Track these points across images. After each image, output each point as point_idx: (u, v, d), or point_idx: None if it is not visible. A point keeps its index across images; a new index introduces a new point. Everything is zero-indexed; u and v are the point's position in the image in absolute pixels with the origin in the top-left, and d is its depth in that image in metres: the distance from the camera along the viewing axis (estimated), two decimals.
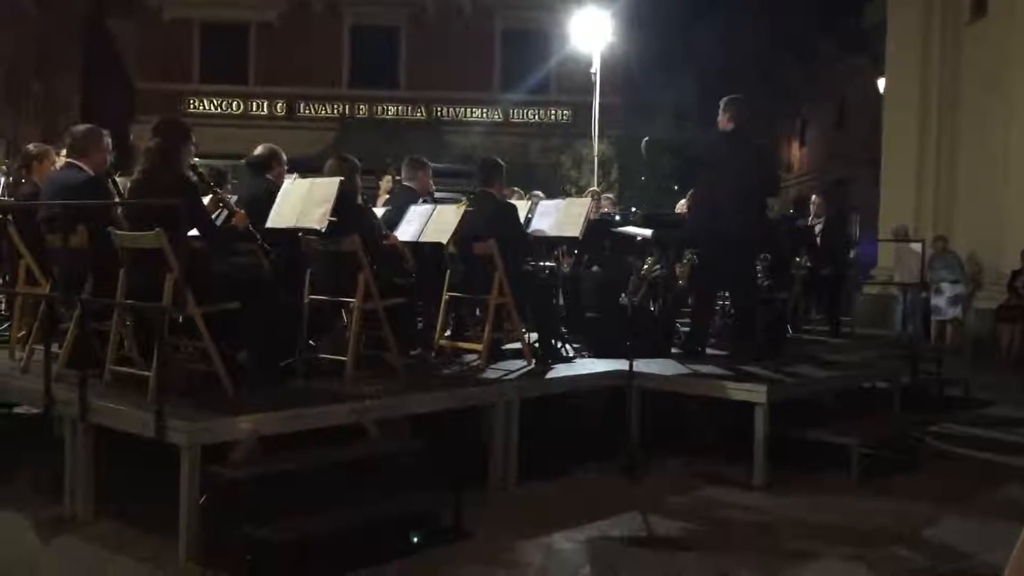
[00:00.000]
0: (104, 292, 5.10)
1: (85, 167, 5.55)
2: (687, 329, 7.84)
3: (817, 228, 10.09)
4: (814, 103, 31.10)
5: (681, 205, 9.51)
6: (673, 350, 7.32)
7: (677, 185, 19.18)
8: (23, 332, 6.00)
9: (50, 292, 5.52)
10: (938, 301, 13.29)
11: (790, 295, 8.92)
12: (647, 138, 7.83)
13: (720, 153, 7.00)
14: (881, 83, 18.65)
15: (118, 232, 5.04)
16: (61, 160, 5.95)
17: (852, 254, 11.23)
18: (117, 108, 25.89)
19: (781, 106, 33.79)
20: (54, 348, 5.14)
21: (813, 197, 10.78)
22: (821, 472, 6.14)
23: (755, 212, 7.07)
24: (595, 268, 8.72)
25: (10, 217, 6.66)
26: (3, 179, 7.82)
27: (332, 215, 5.43)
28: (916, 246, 11.54)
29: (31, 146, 6.65)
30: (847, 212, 19.20)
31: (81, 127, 5.88)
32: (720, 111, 7.05)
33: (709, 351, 7.29)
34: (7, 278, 6.82)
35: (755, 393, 5.90)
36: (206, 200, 5.57)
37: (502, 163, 6.91)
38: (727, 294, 7.79)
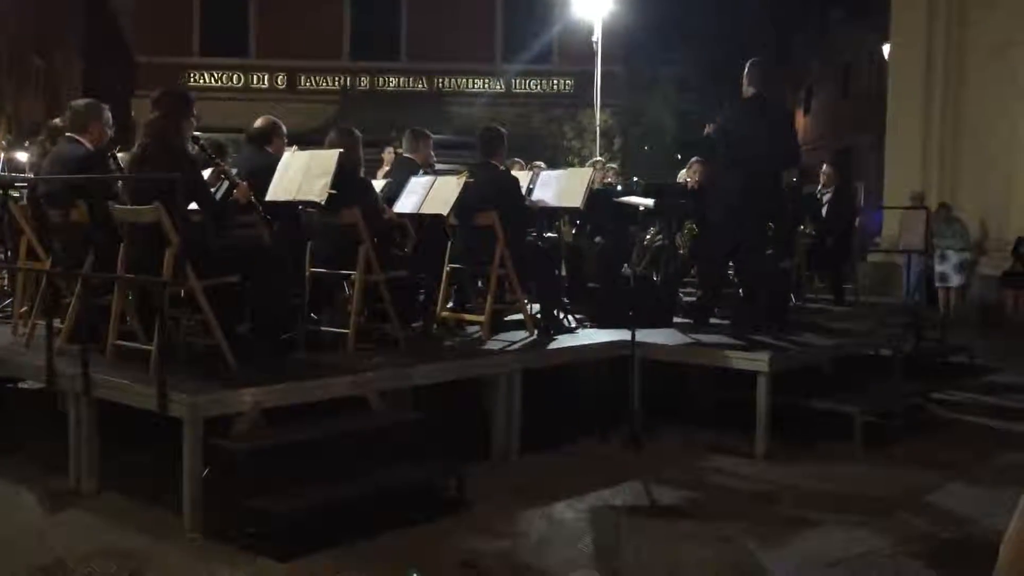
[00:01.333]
0: (105, 267, 5.10)
1: (85, 142, 5.53)
2: (690, 299, 7.83)
3: (825, 198, 10.03)
4: (819, 71, 30.91)
5: (683, 175, 9.46)
6: (675, 319, 7.31)
7: (679, 154, 19.11)
8: (25, 307, 6.01)
9: (51, 267, 5.52)
10: (944, 268, 13.25)
11: (794, 264, 8.88)
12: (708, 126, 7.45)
13: (744, 122, 6.83)
14: (886, 50, 18.48)
15: (117, 207, 5.03)
16: None
17: (856, 222, 11.14)
18: (118, 82, 25.82)
19: (786, 75, 33.59)
20: (56, 323, 5.15)
21: (824, 167, 10.67)
22: (824, 441, 6.15)
23: (777, 182, 6.95)
24: (597, 238, 8.71)
25: (10, 192, 6.68)
26: (2, 154, 7.80)
27: (332, 188, 5.41)
28: (921, 213, 11.48)
29: (56, 120, 6.60)
30: (852, 180, 19.12)
31: (81, 102, 5.85)
32: (744, 77, 6.92)
33: (712, 320, 7.27)
34: (8, 254, 6.84)
35: (757, 362, 5.89)
36: (208, 173, 5.55)
37: (504, 133, 6.86)
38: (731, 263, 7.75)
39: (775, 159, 6.84)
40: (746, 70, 6.93)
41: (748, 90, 6.90)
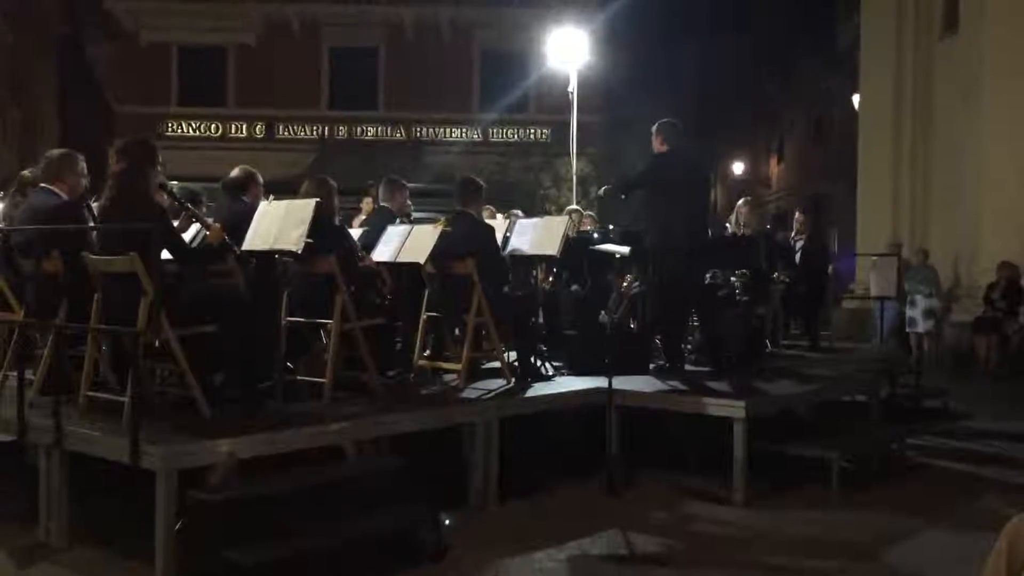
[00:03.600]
0: (78, 317, 5.07)
1: (60, 192, 5.54)
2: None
3: (798, 244, 10.15)
4: (792, 119, 31.38)
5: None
6: (652, 366, 7.33)
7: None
8: None
9: (24, 318, 5.48)
10: (913, 313, 13.39)
11: (768, 310, 8.95)
12: (603, 188, 8.02)
13: (661, 174, 7.17)
14: (856, 99, 18.83)
15: (91, 257, 5.02)
16: None
17: (829, 269, 11.26)
18: (96, 132, 25.78)
19: (759, 123, 34.12)
20: (28, 374, 5.10)
21: (797, 214, 10.83)
22: (801, 485, 6.16)
23: (701, 226, 7.32)
24: (574, 287, 8.75)
25: None
26: None
27: (308, 236, 5.42)
28: (892, 259, 11.63)
29: (27, 172, 6.59)
30: (825, 226, 19.32)
31: (56, 151, 5.87)
32: (653, 135, 7.28)
33: (689, 367, 7.31)
34: None
35: (734, 408, 5.92)
36: (178, 221, 5.55)
37: (481, 184, 6.93)
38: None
39: (693, 206, 7.23)
40: (656, 130, 7.29)
41: (663, 148, 7.23)
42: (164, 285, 4.88)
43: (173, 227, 5.32)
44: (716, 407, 6.01)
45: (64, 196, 5.52)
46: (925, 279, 13.45)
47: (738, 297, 8.12)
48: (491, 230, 6.92)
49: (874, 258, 12.63)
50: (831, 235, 19.69)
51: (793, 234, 10.41)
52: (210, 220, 5.61)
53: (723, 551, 4.96)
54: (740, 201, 9.46)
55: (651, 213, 7.29)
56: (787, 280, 9.62)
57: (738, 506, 5.76)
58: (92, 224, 5.54)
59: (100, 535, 4.77)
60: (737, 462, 5.85)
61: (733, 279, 8.09)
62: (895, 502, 5.99)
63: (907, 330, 13.42)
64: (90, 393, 4.98)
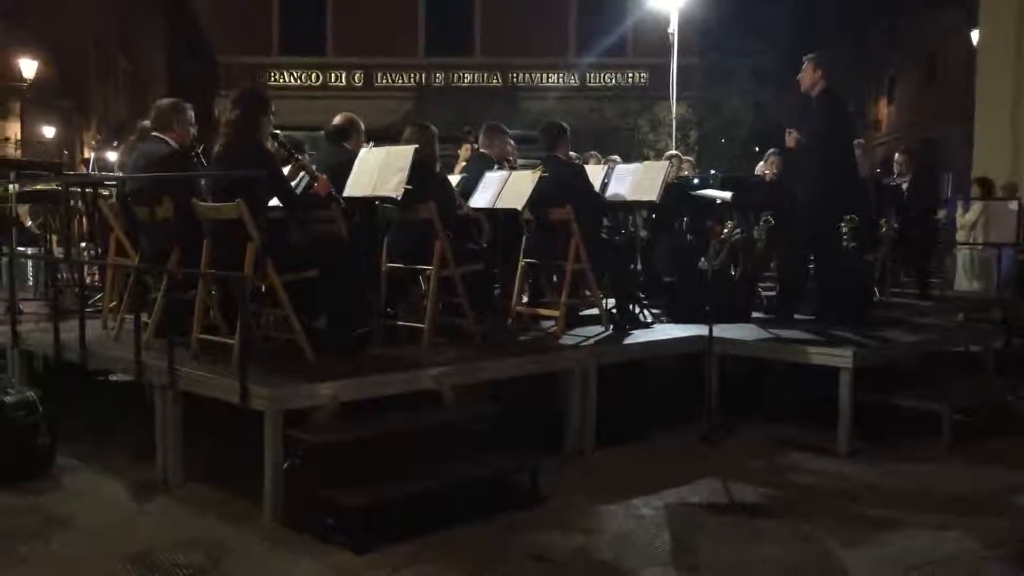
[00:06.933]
0: (190, 262, 5.23)
1: (170, 140, 5.68)
2: (768, 293, 7.69)
3: (904, 187, 9.74)
4: (903, 59, 30.03)
5: (760, 167, 9.29)
6: (754, 314, 7.18)
7: (757, 147, 18.75)
8: (114, 302, 6.20)
9: (139, 263, 5.68)
10: None
11: (877, 257, 8.65)
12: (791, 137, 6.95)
13: (841, 117, 6.81)
14: (975, 36, 17.87)
15: (200, 204, 5.15)
16: None
17: (942, 214, 10.78)
18: (202, 82, 26.47)
19: (868, 63, 32.69)
20: (144, 318, 5.30)
21: (896, 155, 10.41)
22: (910, 439, 5.97)
23: (849, 176, 6.89)
24: (675, 232, 8.61)
25: (100, 191, 6.90)
26: (93, 153, 8.05)
27: (408, 183, 5.45)
28: (1013, 204, 11.05)
29: (147, 121, 6.79)
30: (938, 172, 18.49)
31: (164, 101, 6.01)
32: (811, 69, 6.73)
33: (796, 316, 7.11)
34: (99, 250, 7.07)
35: (840, 357, 5.75)
36: (287, 169, 5.65)
37: (565, 126, 6.83)
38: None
39: (848, 153, 6.78)
40: (815, 63, 6.73)
41: (819, 85, 6.72)
42: (270, 231, 4.97)
43: (283, 175, 5.42)
44: (822, 356, 5.86)
45: (174, 144, 5.66)
46: None
47: (847, 244, 7.86)
48: (583, 171, 6.84)
49: (992, 203, 12.03)
50: (944, 180, 18.88)
51: (895, 176, 10.00)
52: (317, 172, 5.69)
53: (826, 503, 4.85)
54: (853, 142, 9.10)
55: (817, 162, 6.67)
56: (896, 226, 9.27)
57: (842, 457, 5.63)
58: (200, 171, 5.69)
59: (213, 474, 4.96)
60: (843, 413, 5.70)
61: (842, 225, 7.81)
62: (1008, 456, 5.76)
63: None
64: (201, 336, 5.15)
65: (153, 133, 5.78)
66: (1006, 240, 10.57)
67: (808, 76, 6.76)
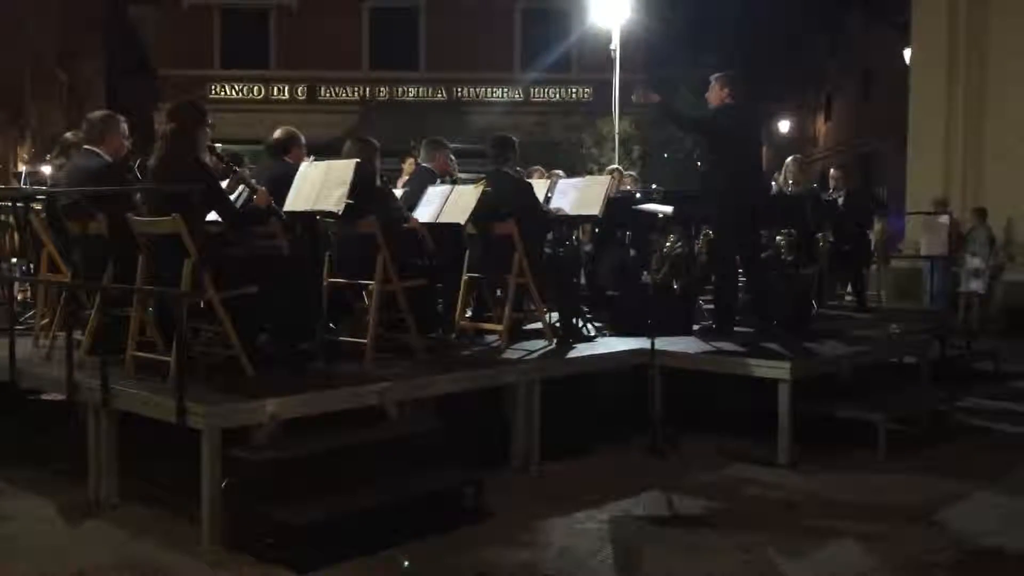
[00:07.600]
0: (124, 278, 5.12)
1: (103, 153, 5.57)
2: (710, 307, 7.77)
3: (839, 202, 9.95)
4: (840, 75, 30.72)
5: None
6: (695, 327, 7.25)
7: (700, 162, 18.98)
8: (46, 319, 6.05)
9: (71, 280, 5.55)
10: (966, 272, 13.12)
11: (815, 270, 8.80)
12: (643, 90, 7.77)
13: (726, 126, 6.95)
14: (907, 53, 18.33)
15: (136, 218, 5.05)
16: None
17: (878, 226, 11.04)
18: (141, 95, 26.01)
19: (806, 79, 33.40)
20: (76, 335, 5.17)
21: (832, 171, 10.66)
22: (848, 448, 6.07)
23: (762, 183, 7.27)
24: (618, 246, 8.66)
25: (32, 206, 6.73)
26: (25, 167, 7.87)
27: (350, 197, 5.41)
28: (944, 218, 11.36)
29: (69, 134, 6.65)
30: (870, 184, 18.94)
31: (97, 113, 5.89)
32: (717, 86, 6.97)
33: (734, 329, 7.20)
34: (31, 266, 6.89)
35: (779, 369, 5.83)
36: (226, 182, 5.57)
37: (513, 139, 6.85)
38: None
39: (753, 156, 7.14)
40: (719, 84, 6.96)
41: (726, 102, 6.94)
42: (208, 246, 4.89)
43: (221, 189, 5.34)
44: (761, 368, 5.94)
45: (107, 157, 5.55)
46: (979, 238, 13.13)
47: (783, 257, 7.99)
48: (529, 186, 6.86)
49: (924, 216, 12.35)
50: (878, 193, 19.31)
51: (831, 191, 10.21)
52: (256, 184, 5.61)
53: (767, 513, 4.91)
54: (789, 159, 9.29)
55: (714, 167, 7.06)
56: (832, 239, 9.45)
57: (784, 468, 5.70)
58: (135, 185, 5.58)
59: (148, 494, 4.85)
60: (782, 424, 5.78)
61: (779, 239, 7.95)
62: (943, 465, 5.88)
63: (959, 290, 13.14)
64: (136, 353, 5.04)
65: (85, 147, 5.66)
66: (938, 253, 10.86)
67: (715, 93, 7.00)
